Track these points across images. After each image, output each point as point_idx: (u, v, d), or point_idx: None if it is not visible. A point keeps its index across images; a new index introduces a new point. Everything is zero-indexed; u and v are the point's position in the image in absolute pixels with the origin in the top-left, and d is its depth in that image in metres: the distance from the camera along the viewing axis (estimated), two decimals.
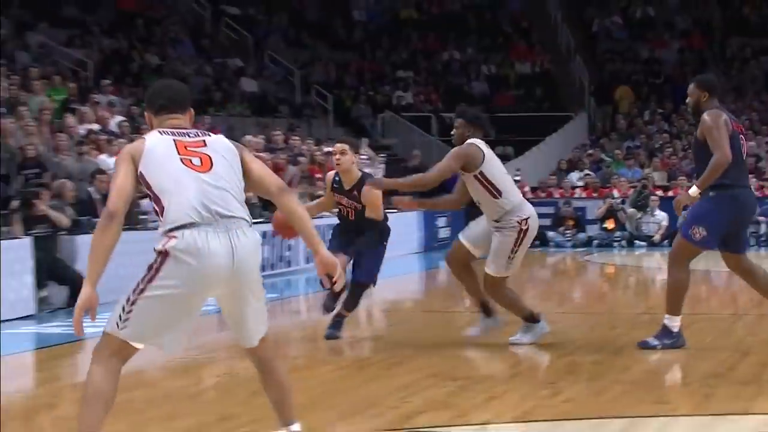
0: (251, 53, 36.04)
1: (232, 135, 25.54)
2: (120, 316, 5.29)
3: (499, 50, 37.63)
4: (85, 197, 16.82)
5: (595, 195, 28.92)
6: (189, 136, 5.43)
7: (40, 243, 14.52)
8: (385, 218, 11.88)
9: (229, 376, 9.70)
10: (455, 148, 10.87)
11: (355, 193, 10.58)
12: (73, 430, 7.82)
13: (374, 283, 11.95)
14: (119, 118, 23.14)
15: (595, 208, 27.91)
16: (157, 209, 5.26)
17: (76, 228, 15.62)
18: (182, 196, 5.18)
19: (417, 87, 36.24)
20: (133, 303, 5.25)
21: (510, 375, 9.42)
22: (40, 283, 14.39)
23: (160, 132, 5.41)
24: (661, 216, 26.75)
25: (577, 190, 30.04)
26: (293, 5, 39.00)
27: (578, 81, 36.61)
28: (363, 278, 11.57)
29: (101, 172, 18.16)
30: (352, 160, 10.81)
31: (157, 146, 5.32)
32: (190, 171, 5.24)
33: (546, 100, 35.77)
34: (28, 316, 13.89)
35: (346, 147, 10.64)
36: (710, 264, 17.27)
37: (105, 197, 17.21)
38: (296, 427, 5.58)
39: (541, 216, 28.14)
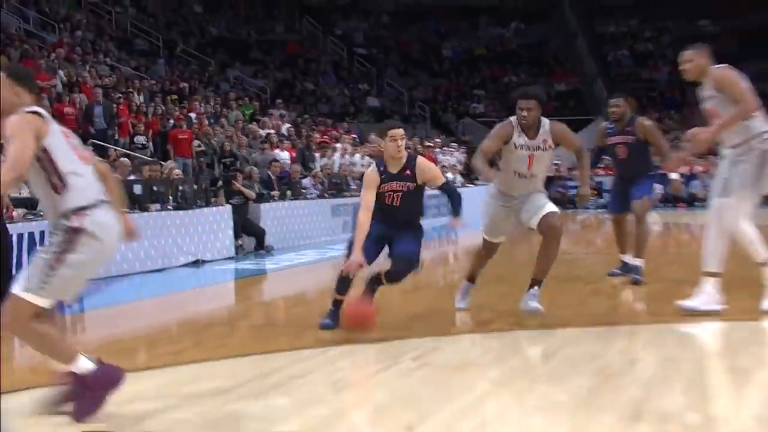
0: (374, 80, 36.04)
1: (362, 136, 25.69)
2: (38, 284, 4.40)
3: (544, 75, 37.08)
4: (266, 178, 16.93)
5: (611, 172, 28.24)
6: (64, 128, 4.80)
7: (236, 209, 14.69)
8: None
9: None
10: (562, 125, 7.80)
11: (408, 172, 7.43)
12: (261, 335, 7.98)
13: (418, 265, 7.88)
14: (287, 125, 23.31)
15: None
16: (58, 185, 4.45)
17: (260, 199, 15.79)
18: (86, 181, 4.57)
19: (486, 101, 35.95)
20: (52, 270, 4.39)
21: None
22: (236, 236, 14.56)
23: (43, 114, 4.51)
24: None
25: (599, 170, 29.57)
26: (402, 47, 38.89)
27: (598, 95, 36.03)
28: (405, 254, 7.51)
29: (275, 161, 18.31)
30: None
31: (57, 132, 4.58)
32: (85, 162, 4.67)
33: (576, 109, 35.27)
34: (229, 258, 14.06)
35: (403, 133, 7.56)
36: None
37: (279, 179, 17.58)
38: None
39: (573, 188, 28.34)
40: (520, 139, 7.49)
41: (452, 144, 28.60)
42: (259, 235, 15.08)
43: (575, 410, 4.76)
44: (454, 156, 26.22)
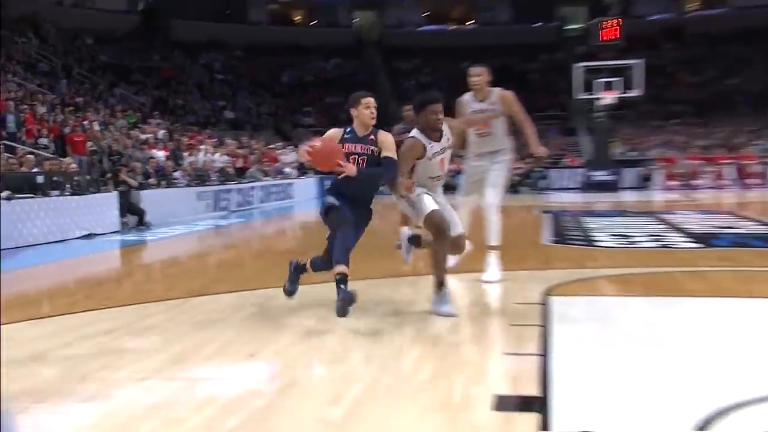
0: (230, 98, 35.26)
1: (222, 141, 25.15)
2: None
3: None
4: (145, 171, 16.38)
5: None
6: None
7: (121, 194, 14.11)
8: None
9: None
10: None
11: (372, 137, 5.62)
12: (139, 290, 7.69)
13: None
14: (162, 131, 22.50)
15: None
16: None
17: (141, 186, 15.24)
18: None
19: (314, 115, 35.89)
20: None
21: None
22: (122, 215, 13.99)
23: None
24: None
25: None
26: (251, 74, 38.20)
27: (393, 113, 36.47)
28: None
29: (153, 158, 17.79)
30: None
31: None
32: None
33: (378, 121, 35.64)
34: (116, 231, 13.48)
35: (374, 101, 5.82)
36: None
37: (156, 171, 17.05)
38: None
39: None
40: (432, 148, 5.64)
41: (289, 146, 28.35)
42: (140, 214, 14.49)
43: (373, 337, 4.84)
44: (290, 156, 25.97)
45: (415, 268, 7.54)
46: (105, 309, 6.06)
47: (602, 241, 9.81)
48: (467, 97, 6.90)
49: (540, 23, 37.15)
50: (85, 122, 19.26)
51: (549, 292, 6.06)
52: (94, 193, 13.74)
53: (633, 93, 26.11)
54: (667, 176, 25.46)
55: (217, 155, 21.86)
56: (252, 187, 20.92)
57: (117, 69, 31.35)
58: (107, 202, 13.75)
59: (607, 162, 26.85)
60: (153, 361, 4.33)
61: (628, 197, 21.57)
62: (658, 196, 21.33)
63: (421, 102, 5.68)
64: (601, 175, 25.90)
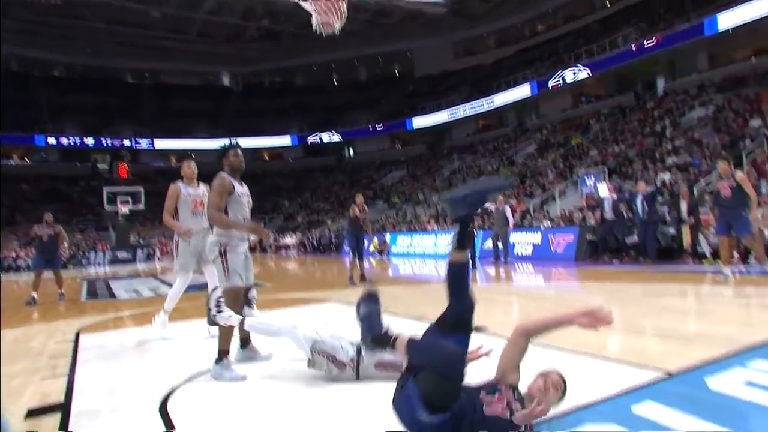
0: None
1: None
2: None
3: None
4: None
5: None
6: None
7: None
8: None
9: None
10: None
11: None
12: None
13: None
14: None
15: None
16: None
17: None
18: None
19: None
20: None
21: None
22: None
23: None
24: None
25: None
26: None
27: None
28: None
29: None
30: None
31: None
32: None
33: None
34: None
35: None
36: None
37: None
38: None
39: None
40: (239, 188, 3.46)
41: None
42: None
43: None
44: None
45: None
46: None
47: (120, 295, 8.76)
48: (180, 184, 4.66)
49: (78, 163, 32.99)
50: None
51: (81, 331, 5.01)
52: None
53: (139, 206, 24.83)
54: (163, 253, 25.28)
55: None
56: None
57: None
58: None
59: (126, 246, 25.36)
60: None
61: (140, 267, 19.17)
62: (143, 265, 19.08)
63: (223, 147, 3.51)
64: (122, 255, 24.45)
